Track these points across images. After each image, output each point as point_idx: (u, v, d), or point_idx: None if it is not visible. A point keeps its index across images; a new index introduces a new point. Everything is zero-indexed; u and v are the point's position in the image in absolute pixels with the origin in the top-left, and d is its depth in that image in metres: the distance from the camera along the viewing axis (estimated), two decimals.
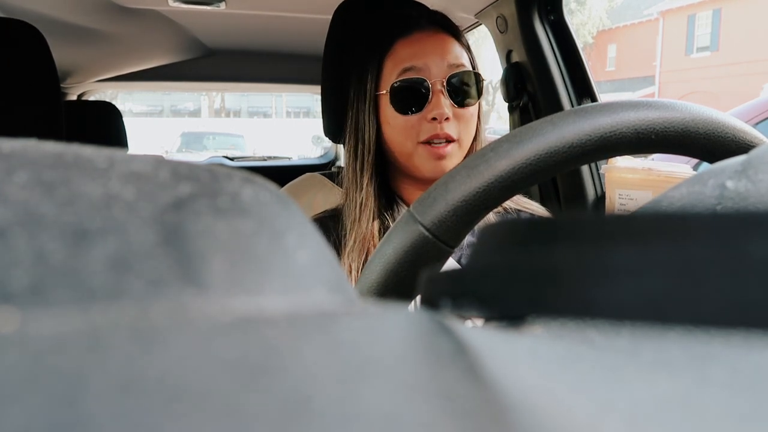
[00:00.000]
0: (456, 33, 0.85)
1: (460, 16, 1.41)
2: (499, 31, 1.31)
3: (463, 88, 0.81)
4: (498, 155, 0.41)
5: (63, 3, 1.36)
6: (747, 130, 0.45)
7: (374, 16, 0.90)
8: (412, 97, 0.80)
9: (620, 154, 0.43)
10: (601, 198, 1.24)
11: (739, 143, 0.44)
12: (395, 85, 0.80)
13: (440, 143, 0.80)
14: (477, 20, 1.39)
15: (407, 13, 0.85)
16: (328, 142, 2.69)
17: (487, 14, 1.32)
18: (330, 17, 1.00)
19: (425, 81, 0.79)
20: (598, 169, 1.24)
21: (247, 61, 2.06)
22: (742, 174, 0.23)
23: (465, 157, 0.84)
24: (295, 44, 1.88)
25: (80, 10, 1.42)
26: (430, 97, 0.80)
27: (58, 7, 1.37)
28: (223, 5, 1.44)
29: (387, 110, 0.82)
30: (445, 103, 0.79)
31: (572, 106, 1.23)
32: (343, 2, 0.99)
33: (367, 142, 0.84)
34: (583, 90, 1.23)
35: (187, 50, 1.91)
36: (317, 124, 1.21)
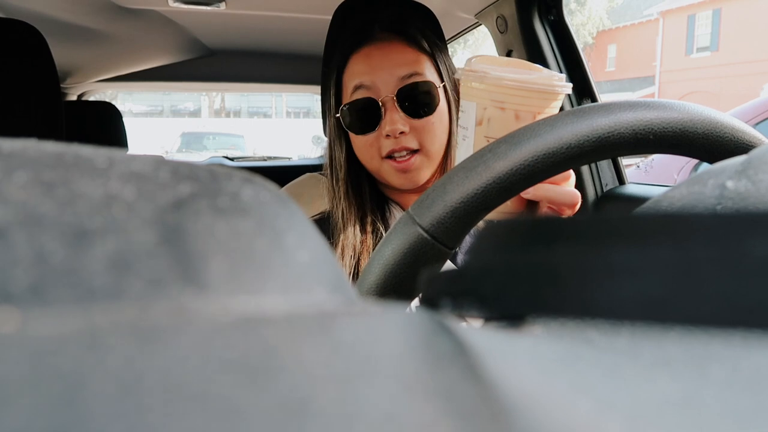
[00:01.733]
0: (412, 37, 0.81)
1: (460, 17, 1.41)
2: (499, 31, 1.31)
3: (417, 99, 0.79)
4: (496, 157, 0.41)
5: (63, 3, 1.36)
6: (746, 130, 0.45)
7: (333, 27, 0.89)
8: (364, 116, 0.79)
9: (619, 155, 0.43)
10: (601, 197, 1.24)
11: (738, 143, 0.44)
12: (344, 108, 0.80)
13: (402, 156, 0.79)
14: (477, 20, 1.39)
15: (359, 26, 0.82)
16: None
17: (487, 14, 1.32)
18: (330, 17, 1.00)
19: (374, 100, 0.78)
20: (598, 170, 1.24)
21: (247, 61, 2.06)
22: (742, 174, 0.23)
23: (440, 166, 0.83)
24: (295, 44, 1.88)
25: (80, 10, 1.42)
26: (383, 113, 0.78)
27: (58, 7, 1.37)
28: (223, 5, 1.44)
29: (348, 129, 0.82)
30: (397, 118, 0.77)
31: (572, 106, 1.23)
32: (342, 3, 0.99)
33: (337, 158, 0.84)
34: (583, 90, 1.23)
35: (187, 50, 1.91)
36: (317, 124, 1.21)
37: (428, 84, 0.80)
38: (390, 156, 0.79)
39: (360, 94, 0.79)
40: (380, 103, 0.78)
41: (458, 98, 0.81)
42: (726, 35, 18.83)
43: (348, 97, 0.80)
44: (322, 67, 1.00)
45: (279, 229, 0.13)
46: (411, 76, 0.79)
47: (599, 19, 22.97)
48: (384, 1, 0.92)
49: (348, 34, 0.83)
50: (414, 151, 0.79)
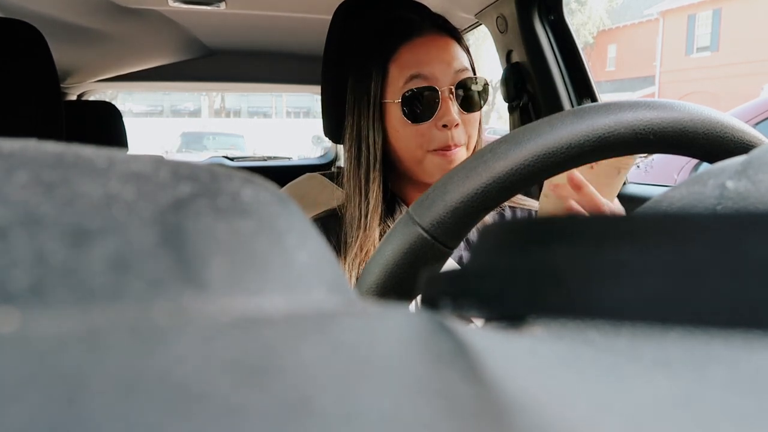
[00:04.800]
0: (457, 35, 0.85)
1: (460, 17, 1.41)
2: (499, 31, 1.30)
3: (470, 94, 0.82)
4: (496, 156, 0.41)
5: (63, 3, 1.36)
6: (746, 130, 0.45)
7: (375, 19, 0.89)
8: (422, 105, 0.80)
9: (619, 155, 0.43)
10: None
11: (738, 143, 0.44)
12: (407, 94, 0.80)
13: (449, 149, 0.80)
14: (477, 20, 1.39)
15: (409, 17, 0.84)
16: (328, 142, 2.69)
17: (487, 14, 1.32)
18: (330, 17, 1.00)
19: (435, 89, 0.80)
20: None
21: (247, 61, 2.06)
22: (742, 174, 0.23)
23: None
24: (295, 44, 1.88)
25: (80, 10, 1.42)
26: (439, 104, 0.80)
27: (58, 7, 1.37)
28: (223, 5, 1.44)
29: (395, 118, 0.81)
30: (454, 110, 0.80)
31: (572, 106, 1.23)
32: (343, 2, 0.99)
33: (372, 149, 0.83)
34: (583, 90, 1.23)
35: (187, 50, 1.91)
36: (317, 124, 1.21)
37: (481, 80, 0.83)
38: (438, 148, 0.80)
39: (417, 84, 0.80)
40: (439, 93, 0.80)
41: None
42: (726, 35, 18.82)
43: (401, 86, 0.81)
44: (322, 65, 1.00)
45: (279, 229, 0.13)
46: (464, 70, 0.82)
47: (599, 18, 22.96)
48: (386, 1, 0.92)
49: (394, 25, 0.84)
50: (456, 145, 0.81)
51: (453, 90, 0.80)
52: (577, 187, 0.66)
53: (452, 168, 0.78)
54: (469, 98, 0.82)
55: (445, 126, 0.79)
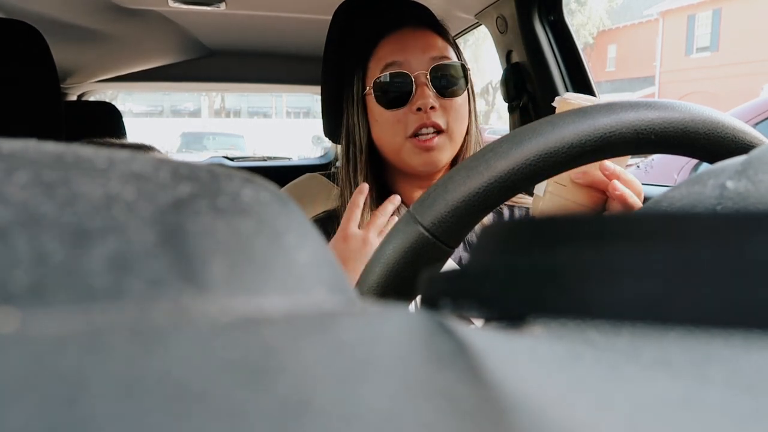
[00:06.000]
0: (440, 29, 0.86)
1: (459, 17, 1.41)
2: (499, 31, 1.30)
3: (448, 79, 0.82)
4: (497, 156, 0.41)
5: (63, 3, 1.36)
6: (747, 130, 0.45)
7: (362, 19, 0.91)
8: (396, 91, 0.81)
9: (620, 155, 0.43)
10: None
11: (739, 143, 0.44)
12: (377, 80, 0.81)
13: (428, 134, 0.80)
14: (477, 21, 1.39)
15: (391, 15, 0.86)
16: (328, 143, 2.69)
17: (487, 15, 1.32)
18: (330, 18, 1.00)
19: (407, 74, 0.80)
20: None
21: (247, 62, 2.06)
22: (742, 174, 0.23)
23: (459, 152, 0.85)
24: (295, 44, 1.88)
25: (80, 10, 1.42)
26: (414, 89, 0.80)
27: (58, 8, 1.37)
28: (223, 5, 1.44)
29: (374, 108, 0.83)
30: (429, 94, 0.80)
31: None
32: (342, 3, 0.99)
33: (358, 143, 0.85)
34: (583, 90, 1.23)
35: (187, 50, 1.91)
36: (317, 124, 1.21)
37: (459, 66, 0.84)
38: (415, 135, 0.80)
39: (391, 70, 0.81)
40: (413, 79, 0.80)
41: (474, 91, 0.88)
42: (726, 35, 18.82)
43: (377, 75, 0.82)
44: (322, 65, 1.00)
45: (279, 229, 0.13)
46: (442, 58, 0.82)
47: (599, 19, 22.96)
48: (386, 2, 0.93)
49: (376, 23, 0.85)
50: (437, 132, 0.81)
51: (428, 76, 0.81)
52: (612, 176, 0.62)
53: (432, 155, 0.79)
54: (447, 83, 0.82)
55: (419, 110, 0.79)
